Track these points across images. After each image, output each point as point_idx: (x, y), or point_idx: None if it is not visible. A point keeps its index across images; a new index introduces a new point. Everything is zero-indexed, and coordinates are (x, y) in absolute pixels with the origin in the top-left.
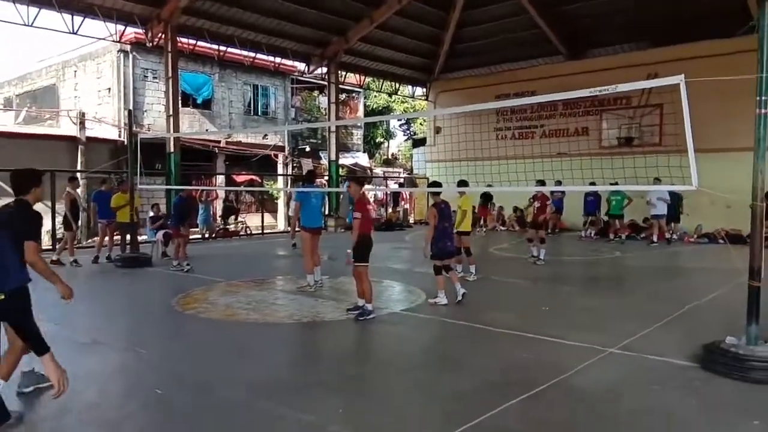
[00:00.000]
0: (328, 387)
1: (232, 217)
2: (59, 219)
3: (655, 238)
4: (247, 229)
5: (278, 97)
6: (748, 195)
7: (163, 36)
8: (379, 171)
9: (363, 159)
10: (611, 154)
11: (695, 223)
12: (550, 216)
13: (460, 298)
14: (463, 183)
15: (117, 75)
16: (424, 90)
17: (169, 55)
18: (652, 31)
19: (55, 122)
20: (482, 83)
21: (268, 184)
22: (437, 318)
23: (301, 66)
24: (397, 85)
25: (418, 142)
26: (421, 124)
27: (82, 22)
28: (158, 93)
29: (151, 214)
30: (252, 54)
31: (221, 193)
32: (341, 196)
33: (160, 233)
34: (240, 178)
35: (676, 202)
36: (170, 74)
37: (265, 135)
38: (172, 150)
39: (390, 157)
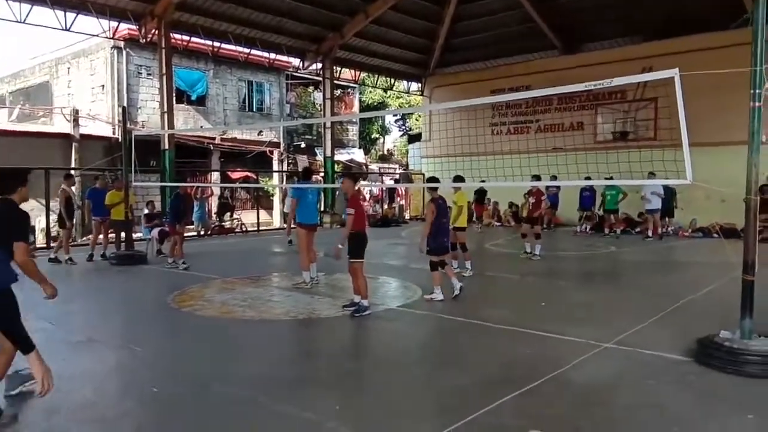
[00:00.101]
0: (324, 384)
1: (228, 214)
2: (54, 217)
3: (650, 233)
4: (243, 225)
5: (273, 93)
6: (743, 189)
7: (157, 32)
8: (374, 167)
9: (358, 155)
10: (606, 149)
11: (690, 218)
12: (545, 211)
13: (457, 292)
14: (458, 178)
15: (111, 72)
16: (420, 85)
17: (163, 51)
18: (647, 25)
19: (49, 120)
20: (477, 78)
21: (263, 181)
22: (433, 314)
23: (296, 62)
24: (393, 80)
25: (414, 138)
26: (416, 119)
27: (75, 18)
28: (152, 90)
29: (146, 211)
30: (246, 50)
31: (216, 190)
32: (337, 192)
33: (155, 231)
34: (235, 175)
35: (670, 196)
36: (164, 71)
37: (260, 131)
38: (166, 147)
39: (385, 152)
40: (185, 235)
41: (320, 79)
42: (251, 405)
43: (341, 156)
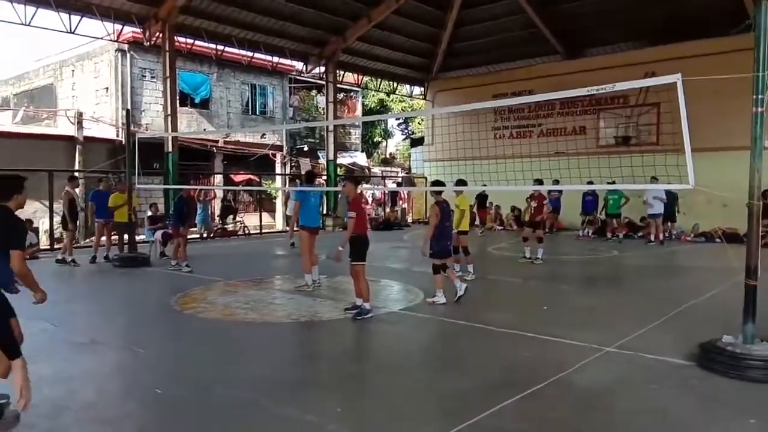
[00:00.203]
0: (326, 386)
1: (231, 216)
2: (57, 219)
3: (652, 238)
4: (246, 228)
5: (276, 96)
6: (745, 194)
7: (161, 35)
8: (377, 170)
9: (361, 158)
10: (609, 153)
11: (692, 222)
12: (547, 215)
13: (462, 293)
14: (461, 182)
15: (115, 74)
16: (422, 89)
17: (167, 54)
18: (649, 30)
19: (53, 122)
20: (480, 82)
21: (266, 184)
22: (435, 317)
23: (299, 65)
24: (395, 84)
25: (416, 142)
26: (419, 123)
27: (79, 21)
28: (156, 92)
29: (149, 213)
30: (250, 53)
31: (219, 193)
32: (339, 195)
33: (159, 233)
34: (238, 178)
35: (672, 201)
36: (168, 74)
37: (263, 134)
38: (170, 149)
39: (388, 156)
40: (188, 237)
41: (323, 82)
42: (253, 407)
43: (344, 159)
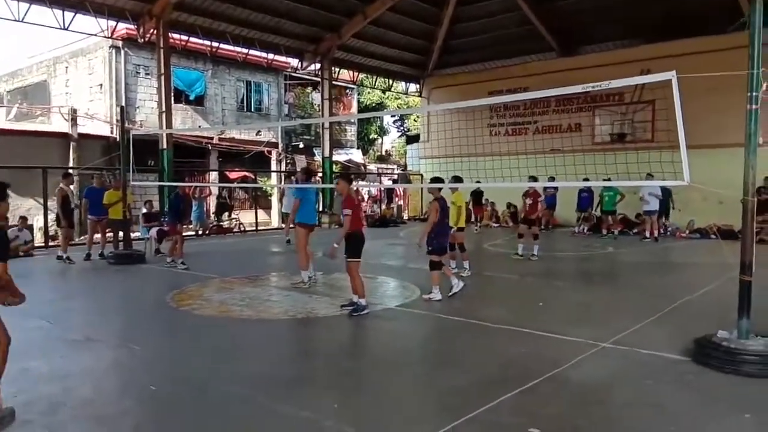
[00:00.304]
0: (322, 383)
1: (226, 213)
2: (52, 216)
3: (647, 234)
4: (241, 225)
5: (271, 93)
6: (740, 190)
7: (155, 32)
8: (372, 167)
9: (357, 155)
10: (604, 150)
11: (687, 219)
12: (542, 212)
13: (457, 290)
14: (456, 179)
15: (109, 71)
16: (418, 86)
17: (161, 51)
18: (645, 28)
19: (47, 119)
20: (475, 79)
21: (261, 181)
22: (431, 314)
23: (294, 62)
24: (391, 81)
25: (412, 139)
26: (414, 120)
27: (73, 17)
28: (150, 89)
29: (144, 210)
30: (245, 50)
31: (215, 190)
32: (335, 192)
33: (154, 230)
34: (233, 175)
35: (666, 196)
36: (162, 70)
37: (259, 131)
38: (164, 146)
39: (384, 153)
40: (184, 234)
41: (318, 79)
42: (249, 404)
43: (339, 156)
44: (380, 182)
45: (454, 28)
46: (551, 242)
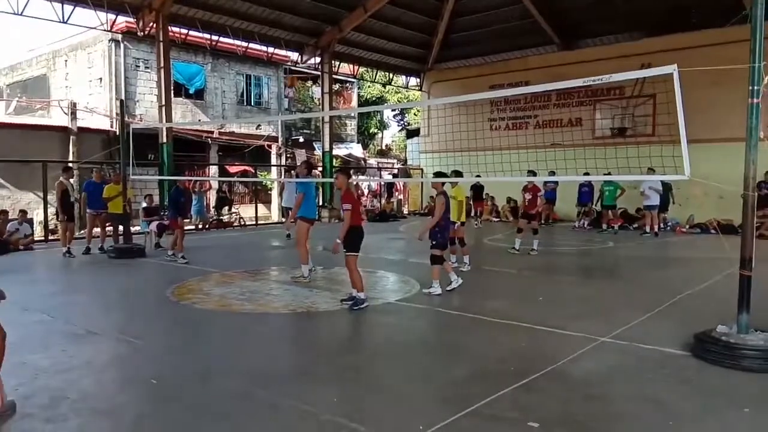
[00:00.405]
0: (323, 376)
1: (226, 207)
2: (52, 210)
3: (647, 229)
4: (241, 219)
5: (271, 87)
6: (740, 185)
7: (155, 25)
8: (373, 161)
9: (357, 150)
10: (605, 145)
11: (687, 214)
12: (542, 207)
13: (456, 285)
14: (457, 173)
15: (108, 65)
16: (418, 80)
17: (161, 44)
18: (646, 22)
19: (47, 112)
20: (476, 73)
21: (261, 175)
22: (431, 308)
23: (294, 56)
24: (391, 75)
25: (412, 133)
26: (415, 114)
27: (72, 10)
28: (150, 83)
29: (144, 204)
30: (245, 44)
31: (214, 184)
32: (335, 187)
33: (154, 224)
34: (233, 169)
35: (666, 191)
36: (162, 64)
37: (259, 125)
38: (164, 140)
39: (384, 147)
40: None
41: (319, 73)
42: (250, 398)
43: (339, 150)
44: (380, 177)
45: (454, 22)
46: (551, 237)
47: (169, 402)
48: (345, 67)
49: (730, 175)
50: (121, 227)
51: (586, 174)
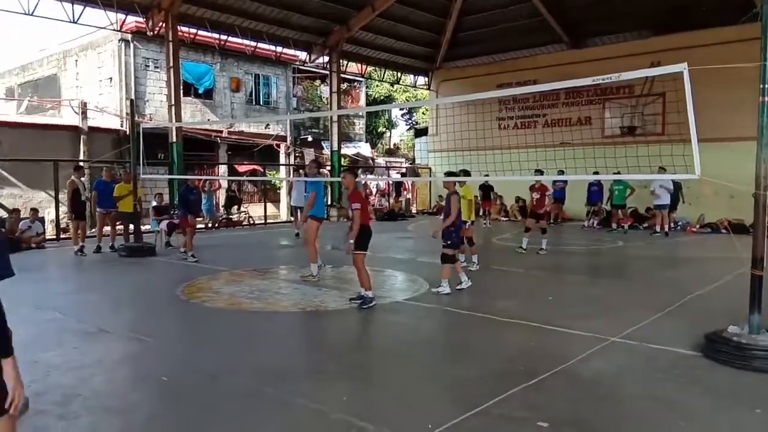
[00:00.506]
0: (332, 375)
1: (235, 206)
2: (63, 208)
3: (657, 228)
4: (250, 218)
5: (280, 86)
6: (752, 184)
7: (164, 25)
8: (381, 161)
9: (365, 149)
10: (614, 144)
11: (698, 213)
12: (551, 206)
13: (464, 286)
14: (465, 172)
15: (118, 64)
16: (426, 79)
17: (170, 44)
18: (656, 20)
19: (57, 112)
20: (484, 72)
21: (270, 174)
22: (440, 307)
23: (302, 55)
24: (399, 74)
25: (421, 132)
26: (423, 113)
27: (82, 11)
28: (160, 82)
29: (154, 203)
30: (253, 43)
31: (224, 183)
32: (343, 186)
33: (164, 223)
34: (242, 168)
35: (676, 190)
36: (171, 63)
37: (267, 125)
38: (174, 140)
39: (392, 146)
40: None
41: (327, 72)
42: (259, 396)
43: (348, 150)
44: (389, 176)
45: (462, 21)
46: (561, 236)
47: (180, 400)
48: (353, 67)
49: (741, 175)
50: (131, 226)
51: (596, 173)
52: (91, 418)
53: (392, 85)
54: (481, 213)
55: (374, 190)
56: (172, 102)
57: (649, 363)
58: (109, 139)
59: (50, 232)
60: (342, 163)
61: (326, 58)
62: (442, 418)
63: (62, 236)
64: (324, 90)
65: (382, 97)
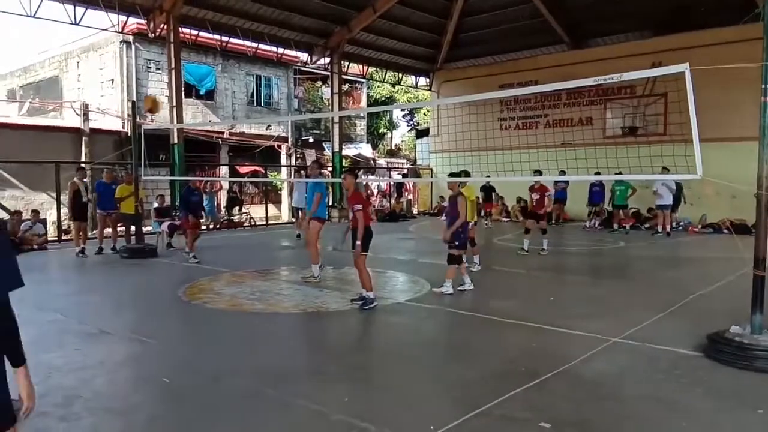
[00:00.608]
0: (333, 376)
1: (237, 207)
2: (65, 210)
3: (659, 229)
4: (251, 219)
5: (281, 87)
6: (754, 184)
7: (166, 27)
8: (382, 162)
9: (366, 150)
10: (616, 144)
11: (700, 213)
12: (552, 207)
13: (467, 288)
14: (465, 173)
15: (120, 66)
16: (428, 80)
17: (172, 45)
18: (657, 20)
19: (59, 113)
20: (485, 73)
21: (271, 175)
22: (442, 308)
23: (303, 56)
24: (401, 75)
25: (422, 133)
26: (424, 114)
27: (84, 12)
28: (161, 84)
29: (156, 205)
30: (254, 44)
31: (225, 184)
32: (343, 187)
33: (165, 224)
34: (243, 169)
35: (678, 191)
36: (173, 65)
37: (269, 126)
38: (175, 141)
39: (393, 147)
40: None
41: (328, 73)
42: (260, 397)
43: (349, 151)
44: (390, 177)
45: (463, 22)
46: (562, 237)
47: (181, 401)
48: (354, 68)
49: (743, 175)
50: (133, 227)
51: (597, 173)
52: (93, 419)
53: (393, 86)
54: (482, 214)
55: (375, 191)
56: (174, 103)
57: (651, 363)
58: (111, 141)
59: (52, 233)
60: (343, 164)
61: (327, 60)
62: (444, 419)
63: (64, 238)
64: (325, 91)
65: (383, 98)
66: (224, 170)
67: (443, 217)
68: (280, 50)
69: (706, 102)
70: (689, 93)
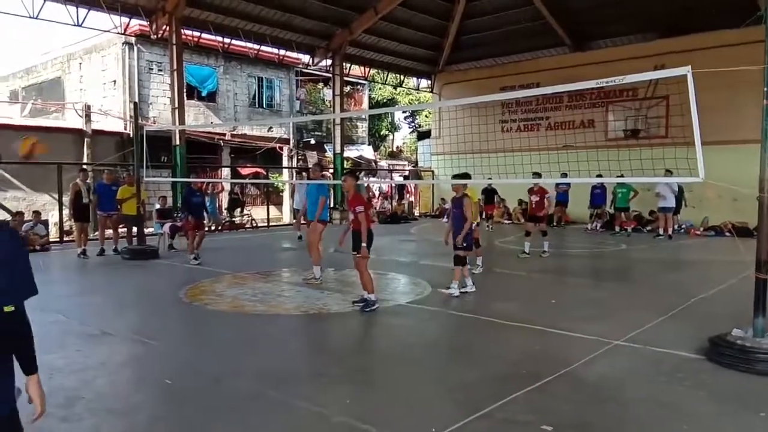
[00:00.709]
0: (335, 378)
1: (238, 209)
2: (66, 212)
3: (661, 231)
4: (253, 221)
5: (283, 89)
6: (756, 187)
7: (168, 28)
8: (384, 164)
9: (368, 151)
10: (617, 147)
11: (702, 216)
12: (553, 209)
13: (469, 290)
14: (466, 175)
15: (122, 67)
16: (429, 82)
17: (174, 47)
18: (659, 22)
19: (61, 115)
20: (487, 75)
21: (273, 177)
22: (443, 310)
23: (305, 58)
24: (402, 77)
25: (423, 135)
26: (426, 116)
27: (86, 14)
28: (163, 85)
29: (158, 206)
30: (256, 46)
31: (227, 186)
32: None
33: (167, 226)
34: (245, 171)
35: (679, 194)
36: (175, 66)
37: (270, 127)
38: (177, 142)
39: (395, 149)
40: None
41: (330, 75)
42: (262, 398)
43: (351, 152)
44: (391, 178)
45: (465, 24)
46: (564, 239)
47: (183, 402)
48: (356, 69)
49: (744, 177)
50: (134, 229)
51: (599, 176)
52: (94, 420)
53: (395, 88)
54: (483, 216)
55: (377, 193)
56: (176, 105)
57: (653, 366)
58: (113, 142)
59: (54, 234)
60: (345, 165)
61: (329, 61)
62: (446, 421)
63: (66, 239)
64: (327, 93)
65: (384, 100)
66: (226, 172)
67: (445, 219)
68: (282, 52)
69: (708, 105)
70: (691, 95)
